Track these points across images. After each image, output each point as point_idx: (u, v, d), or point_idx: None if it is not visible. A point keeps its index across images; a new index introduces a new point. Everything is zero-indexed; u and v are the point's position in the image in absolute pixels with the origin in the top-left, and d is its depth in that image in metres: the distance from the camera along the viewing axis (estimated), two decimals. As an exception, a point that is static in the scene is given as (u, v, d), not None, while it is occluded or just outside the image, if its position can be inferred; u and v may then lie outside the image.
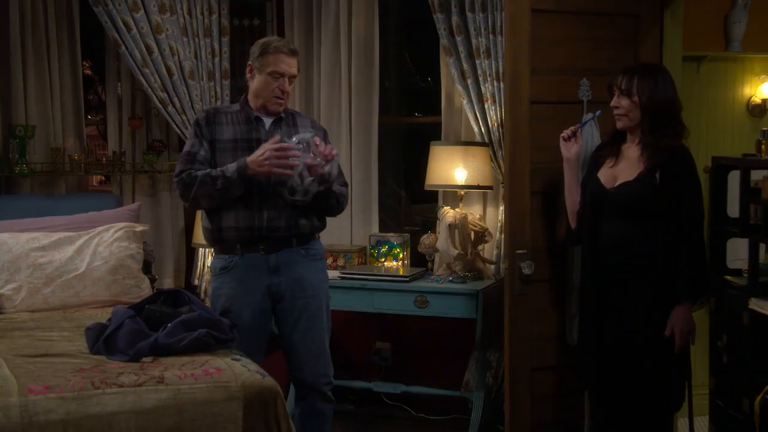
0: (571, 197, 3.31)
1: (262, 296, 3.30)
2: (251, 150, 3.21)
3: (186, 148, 3.35)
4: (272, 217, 3.24)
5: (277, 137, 3.17)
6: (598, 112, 3.35)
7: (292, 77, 3.32)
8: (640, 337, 3.06)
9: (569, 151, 3.30)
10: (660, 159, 3.02)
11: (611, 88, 3.14)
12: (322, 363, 3.39)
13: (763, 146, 3.54)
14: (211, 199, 3.24)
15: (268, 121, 3.35)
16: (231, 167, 3.18)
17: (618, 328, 3.10)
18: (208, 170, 3.22)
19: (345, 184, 3.45)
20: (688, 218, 3.01)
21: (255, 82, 3.33)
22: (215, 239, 3.34)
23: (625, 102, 3.09)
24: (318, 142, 3.16)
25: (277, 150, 3.10)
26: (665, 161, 3.01)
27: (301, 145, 3.12)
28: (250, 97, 3.37)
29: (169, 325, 2.98)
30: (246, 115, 3.35)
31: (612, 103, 3.14)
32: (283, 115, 3.37)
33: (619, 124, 3.15)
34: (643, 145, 3.08)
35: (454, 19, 4.23)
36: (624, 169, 3.12)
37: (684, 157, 3.05)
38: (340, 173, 3.38)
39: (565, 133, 3.30)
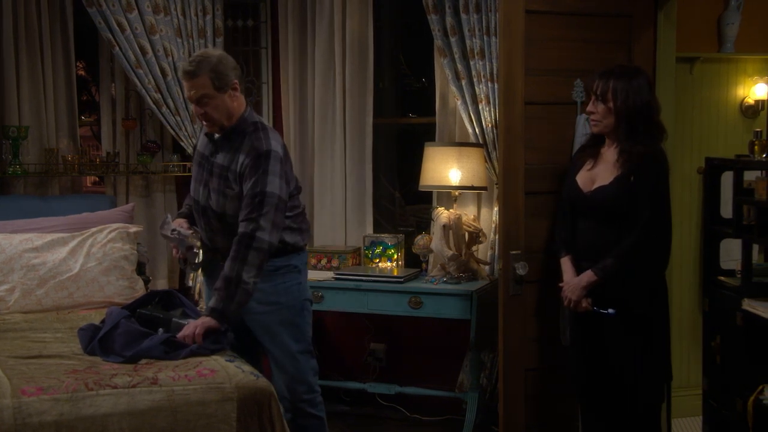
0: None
1: None
2: (201, 166, 3.19)
3: None
4: (211, 238, 3.17)
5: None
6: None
7: (201, 98, 2.99)
8: (618, 338, 3.08)
9: None
10: (635, 163, 3.03)
11: (588, 92, 3.15)
12: (297, 380, 3.15)
13: (756, 147, 3.56)
14: None
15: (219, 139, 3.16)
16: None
17: (597, 330, 3.13)
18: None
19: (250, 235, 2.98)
20: (644, 219, 3.01)
21: None
22: None
23: (600, 108, 3.10)
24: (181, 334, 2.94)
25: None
26: (640, 165, 3.03)
27: (175, 236, 3.14)
28: None
29: (164, 338, 2.95)
30: None
31: (588, 109, 3.15)
32: (230, 135, 3.08)
33: (594, 130, 3.17)
34: (619, 149, 3.08)
35: (449, 20, 4.23)
36: (601, 172, 3.14)
37: (655, 161, 3.05)
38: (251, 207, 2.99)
39: None
